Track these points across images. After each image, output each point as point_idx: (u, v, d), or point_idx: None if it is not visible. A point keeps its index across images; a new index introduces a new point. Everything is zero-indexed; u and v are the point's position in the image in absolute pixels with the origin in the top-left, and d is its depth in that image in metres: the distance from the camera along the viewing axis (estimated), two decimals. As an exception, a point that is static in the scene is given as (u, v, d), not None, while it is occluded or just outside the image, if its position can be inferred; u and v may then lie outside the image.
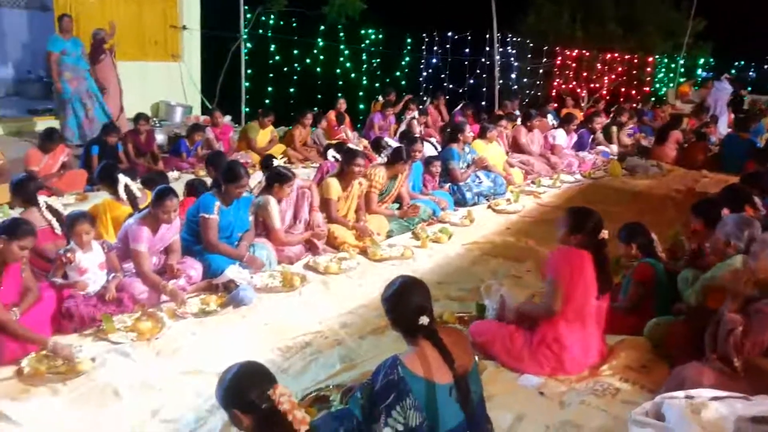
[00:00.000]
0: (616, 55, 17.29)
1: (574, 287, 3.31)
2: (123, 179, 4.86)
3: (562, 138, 9.27)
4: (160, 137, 8.83)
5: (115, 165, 5.65)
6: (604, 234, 3.42)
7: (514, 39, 15.87)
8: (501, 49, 14.80)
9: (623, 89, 17.68)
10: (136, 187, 4.90)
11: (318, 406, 3.04)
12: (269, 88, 12.30)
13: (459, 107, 11.66)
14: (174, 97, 10.90)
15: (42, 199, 4.37)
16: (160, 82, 10.75)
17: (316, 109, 11.02)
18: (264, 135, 9.10)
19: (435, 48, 14.74)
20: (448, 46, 14.75)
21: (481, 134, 8.11)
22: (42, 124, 8.42)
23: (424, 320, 2.43)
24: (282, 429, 2.10)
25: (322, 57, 13.13)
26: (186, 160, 8.22)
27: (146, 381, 3.34)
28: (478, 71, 14.95)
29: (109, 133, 7.40)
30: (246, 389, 2.11)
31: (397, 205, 6.28)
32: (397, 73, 14.59)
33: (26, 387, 3.25)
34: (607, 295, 3.51)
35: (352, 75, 13.70)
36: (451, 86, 14.65)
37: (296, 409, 2.11)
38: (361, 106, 13.22)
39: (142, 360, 3.55)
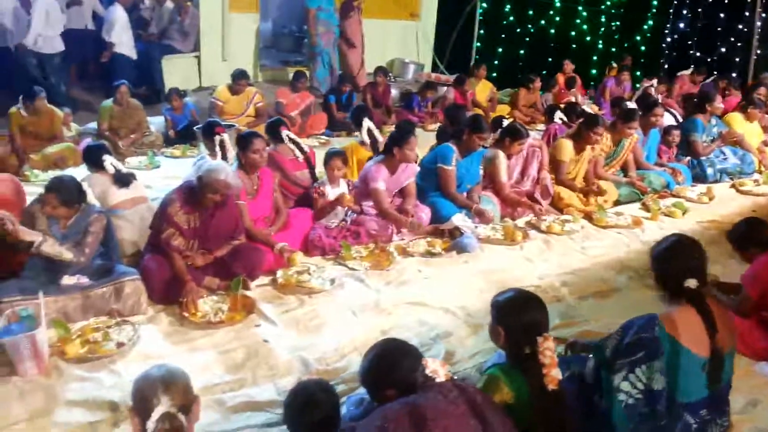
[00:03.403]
0: None
1: None
2: (366, 124, 5.28)
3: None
4: (393, 92, 9.29)
5: (364, 110, 6.05)
6: None
7: (781, 3, 13.86)
8: (764, 15, 13.05)
9: None
10: (377, 132, 5.29)
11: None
12: (499, 49, 12.22)
13: (710, 79, 10.60)
14: (408, 54, 11.34)
15: (284, 133, 4.88)
16: (396, 40, 11.24)
17: (544, 72, 10.77)
18: (482, 89, 9.12)
19: (684, 11, 13.42)
20: (699, 9, 13.34)
21: (744, 109, 7.35)
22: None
23: (691, 283, 2.26)
24: (530, 374, 2.08)
25: (557, 18, 12.68)
26: (417, 114, 8.60)
27: (378, 305, 3.69)
28: (732, 39, 13.35)
29: (343, 83, 8.39)
30: (521, 314, 2.14)
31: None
32: (637, 38, 13.56)
33: (279, 294, 3.79)
34: None
35: (587, 38, 13.04)
36: (698, 54, 13.28)
37: (554, 368, 2.07)
38: (593, 71, 12.62)
39: (374, 286, 3.91)
